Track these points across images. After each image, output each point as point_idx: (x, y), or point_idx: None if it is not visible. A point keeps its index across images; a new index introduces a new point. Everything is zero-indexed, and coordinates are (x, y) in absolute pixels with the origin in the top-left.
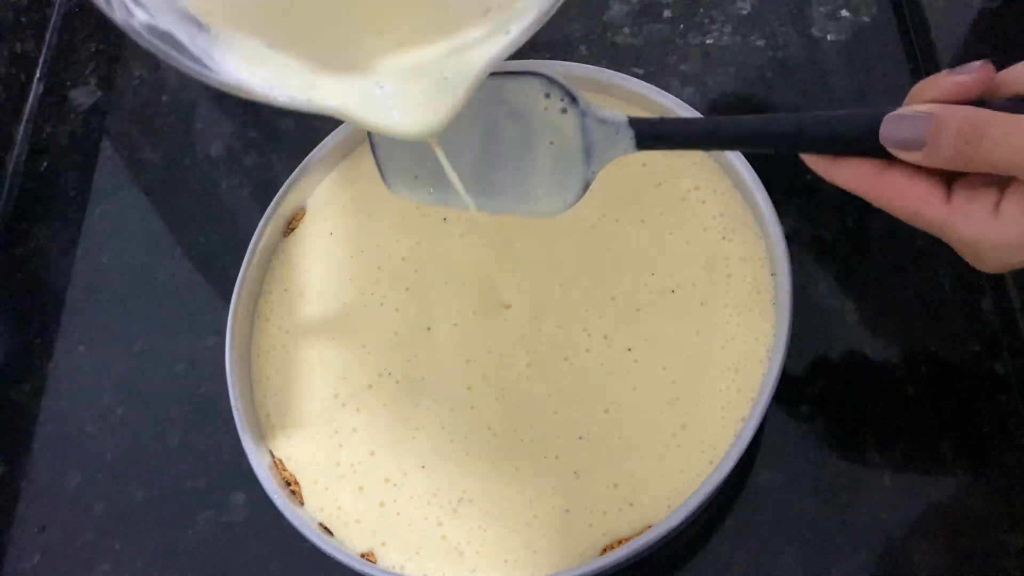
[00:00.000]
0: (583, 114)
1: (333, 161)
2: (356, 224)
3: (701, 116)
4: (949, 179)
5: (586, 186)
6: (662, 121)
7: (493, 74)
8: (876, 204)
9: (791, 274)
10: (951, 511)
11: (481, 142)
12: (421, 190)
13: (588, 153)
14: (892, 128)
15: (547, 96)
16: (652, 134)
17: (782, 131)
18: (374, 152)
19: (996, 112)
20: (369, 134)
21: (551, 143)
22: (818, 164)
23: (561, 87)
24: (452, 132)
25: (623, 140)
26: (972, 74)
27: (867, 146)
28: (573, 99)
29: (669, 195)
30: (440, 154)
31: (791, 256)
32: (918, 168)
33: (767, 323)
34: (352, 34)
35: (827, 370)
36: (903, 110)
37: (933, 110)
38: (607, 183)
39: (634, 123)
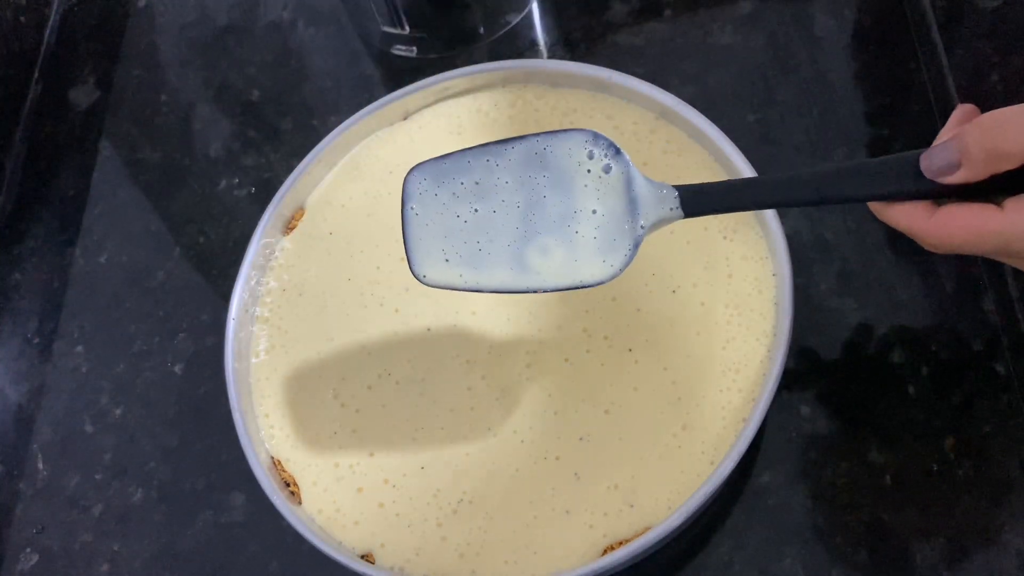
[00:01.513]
0: (628, 165)
1: (332, 161)
2: (356, 224)
3: (742, 178)
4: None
5: (636, 246)
6: (707, 185)
7: (538, 134)
8: (931, 242)
9: (792, 274)
10: (952, 511)
11: (521, 218)
12: (452, 273)
13: (634, 208)
14: (929, 161)
15: (590, 156)
16: (696, 191)
17: (826, 186)
18: (404, 232)
19: (1007, 107)
20: (403, 211)
21: (594, 212)
22: (873, 204)
23: (605, 140)
24: (491, 208)
25: (669, 200)
26: (962, 112)
27: (911, 188)
28: (617, 151)
29: None
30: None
31: (792, 256)
32: (965, 198)
33: (768, 323)
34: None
35: (827, 370)
36: (932, 146)
37: (955, 132)
38: None
39: (678, 187)
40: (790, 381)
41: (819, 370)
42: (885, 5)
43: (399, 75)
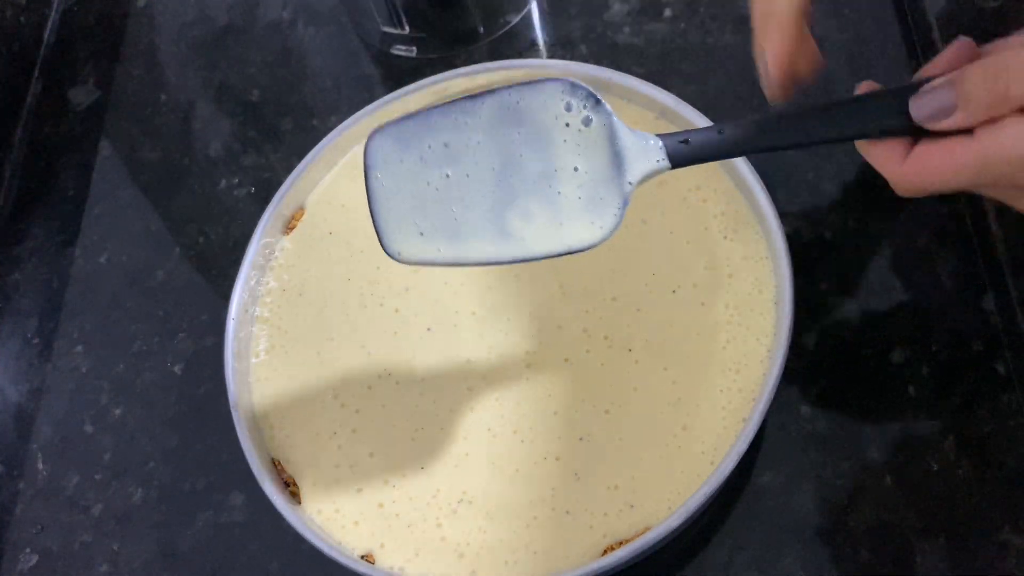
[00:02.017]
0: (609, 115)
1: (332, 160)
2: (356, 224)
3: (726, 123)
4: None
5: (624, 203)
6: (691, 133)
7: (509, 86)
8: (905, 187)
9: (792, 274)
10: (952, 511)
11: (497, 180)
12: (429, 247)
13: (620, 162)
14: (920, 106)
15: (568, 108)
16: (682, 140)
17: (810, 125)
18: (371, 206)
19: (1004, 48)
20: (367, 181)
21: (576, 169)
22: (860, 142)
23: (584, 90)
24: (464, 171)
25: (655, 151)
26: (960, 47)
27: (894, 126)
28: (597, 101)
29: (670, 195)
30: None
31: (792, 256)
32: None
33: (768, 323)
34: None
35: (827, 370)
36: (923, 89)
37: (948, 77)
38: None
39: (663, 136)
40: (790, 381)
41: (819, 370)
42: (885, 5)
43: (399, 75)
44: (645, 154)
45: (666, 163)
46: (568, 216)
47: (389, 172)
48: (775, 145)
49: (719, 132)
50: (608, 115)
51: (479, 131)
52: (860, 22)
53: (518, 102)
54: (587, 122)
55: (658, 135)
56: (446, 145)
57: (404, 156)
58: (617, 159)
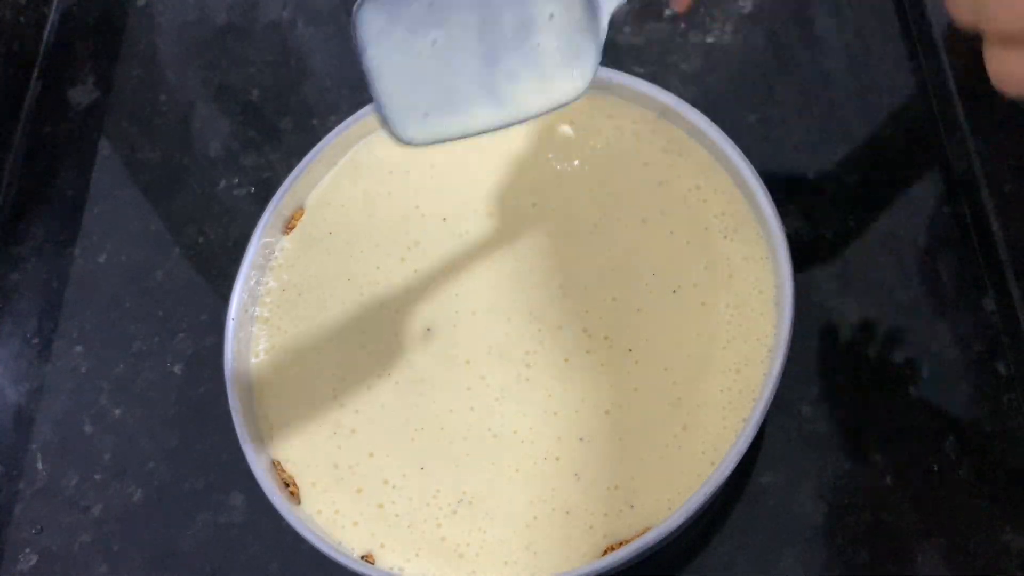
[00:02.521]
0: None
1: (332, 161)
2: (356, 224)
3: None
4: None
5: (600, 46)
6: None
7: None
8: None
9: (792, 274)
10: (953, 512)
11: (480, 38)
12: (435, 126)
13: (595, 5)
14: None
15: None
16: None
17: None
18: (372, 89)
19: None
20: (363, 62)
21: (551, 16)
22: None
23: None
24: (448, 34)
25: None
26: None
27: None
28: None
29: (670, 195)
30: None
31: (792, 256)
32: None
33: (768, 323)
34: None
35: (828, 370)
36: None
37: None
38: (608, 182)
39: None
40: (790, 381)
41: (819, 370)
42: (885, 5)
43: None
44: None
45: None
46: (551, 70)
47: (383, 48)
48: None
49: None
50: None
51: None
52: (860, 22)
53: None
54: None
55: None
56: (431, 5)
57: (394, 27)
58: (590, 3)
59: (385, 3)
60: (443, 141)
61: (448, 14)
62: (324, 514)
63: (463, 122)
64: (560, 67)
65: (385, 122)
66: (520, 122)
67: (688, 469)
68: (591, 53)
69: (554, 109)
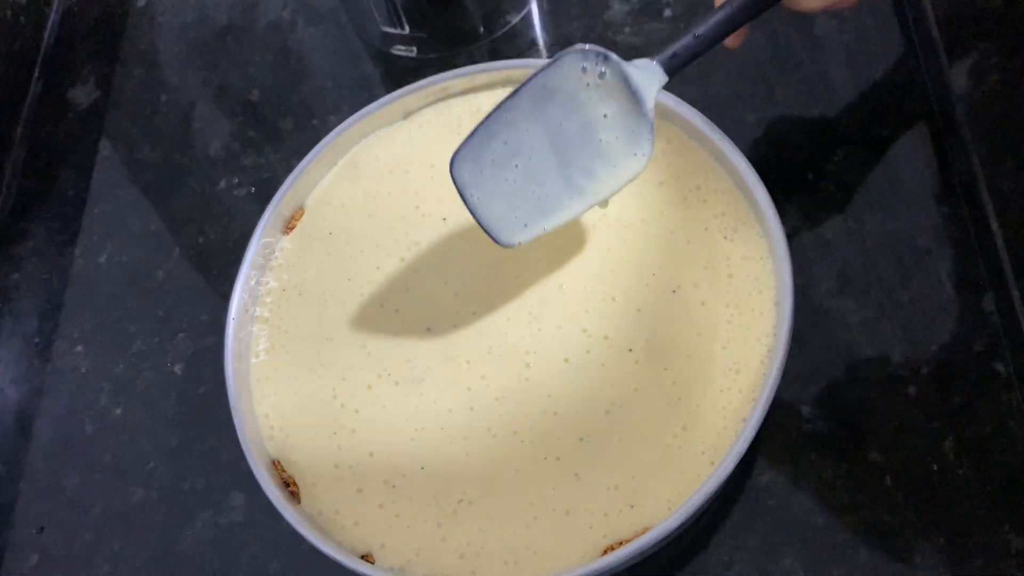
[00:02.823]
0: (618, 63)
1: (332, 161)
2: (356, 224)
3: (699, 22)
4: None
5: (652, 128)
6: (674, 44)
7: (535, 72)
8: None
9: (792, 274)
10: (952, 511)
11: (554, 151)
12: (534, 229)
13: (639, 97)
14: None
15: (584, 70)
16: (671, 56)
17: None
18: (477, 217)
19: None
20: (466, 201)
21: (606, 116)
22: None
23: (592, 51)
24: (527, 157)
25: (657, 73)
26: None
27: None
28: (606, 57)
29: (670, 195)
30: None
31: (792, 256)
32: None
33: (768, 323)
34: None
35: (828, 370)
36: None
37: None
38: None
39: (657, 58)
40: (790, 381)
41: (819, 370)
42: (885, 5)
43: (399, 75)
44: (651, 79)
45: (664, 76)
46: (617, 158)
47: (477, 185)
48: (735, 24)
49: (695, 36)
50: (617, 63)
51: (526, 119)
52: (860, 22)
53: (546, 83)
54: (602, 76)
55: (652, 59)
56: (506, 143)
57: (482, 168)
58: (634, 94)
59: (469, 154)
60: (542, 235)
61: (521, 142)
62: (324, 514)
63: (556, 218)
64: (624, 152)
65: (492, 237)
66: (599, 202)
67: (688, 469)
68: (646, 133)
69: (625, 185)
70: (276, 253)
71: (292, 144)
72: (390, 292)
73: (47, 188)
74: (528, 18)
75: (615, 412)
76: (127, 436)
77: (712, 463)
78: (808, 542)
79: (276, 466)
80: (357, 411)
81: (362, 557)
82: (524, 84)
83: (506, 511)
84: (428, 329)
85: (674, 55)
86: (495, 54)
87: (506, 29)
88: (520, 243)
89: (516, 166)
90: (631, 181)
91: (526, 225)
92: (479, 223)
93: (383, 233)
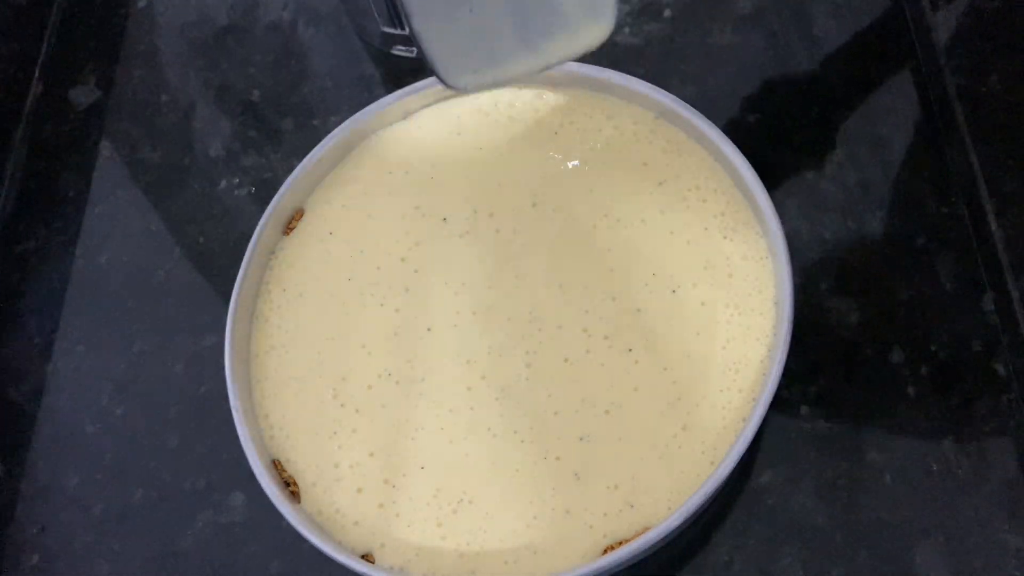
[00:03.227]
0: None
1: (332, 161)
2: (356, 224)
3: None
4: None
5: None
6: None
7: None
8: None
9: (792, 274)
10: (952, 511)
11: (507, 3)
12: (484, 76)
13: None
14: None
15: None
16: None
17: None
18: (431, 65)
19: None
20: (415, 34)
21: None
22: None
23: None
24: (482, 3)
25: None
26: None
27: None
28: None
29: (669, 194)
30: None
31: (792, 256)
32: None
33: (768, 323)
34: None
35: (827, 370)
36: None
37: None
38: (608, 182)
39: None
40: (790, 381)
41: (819, 370)
42: (885, 5)
43: (399, 75)
44: None
45: None
46: (573, 24)
47: (427, 13)
48: None
49: None
50: None
51: None
52: (860, 22)
53: None
54: None
55: None
56: None
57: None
58: None
59: None
60: (493, 88)
61: None
62: (324, 514)
63: (508, 71)
64: (583, 19)
65: (439, 78)
66: (554, 66)
67: (688, 469)
68: (608, 3)
69: (586, 52)
70: (276, 253)
71: (292, 144)
72: (390, 292)
73: (47, 188)
74: None
75: (615, 412)
76: (127, 436)
77: (712, 463)
78: (808, 542)
79: (276, 466)
80: (357, 411)
81: (362, 557)
82: None
83: (506, 511)
84: (428, 329)
85: None
86: None
87: None
88: (466, 87)
89: (470, 10)
90: (590, 50)
91: (475, 71)
92: (424, 54)
93: (383, 233)
